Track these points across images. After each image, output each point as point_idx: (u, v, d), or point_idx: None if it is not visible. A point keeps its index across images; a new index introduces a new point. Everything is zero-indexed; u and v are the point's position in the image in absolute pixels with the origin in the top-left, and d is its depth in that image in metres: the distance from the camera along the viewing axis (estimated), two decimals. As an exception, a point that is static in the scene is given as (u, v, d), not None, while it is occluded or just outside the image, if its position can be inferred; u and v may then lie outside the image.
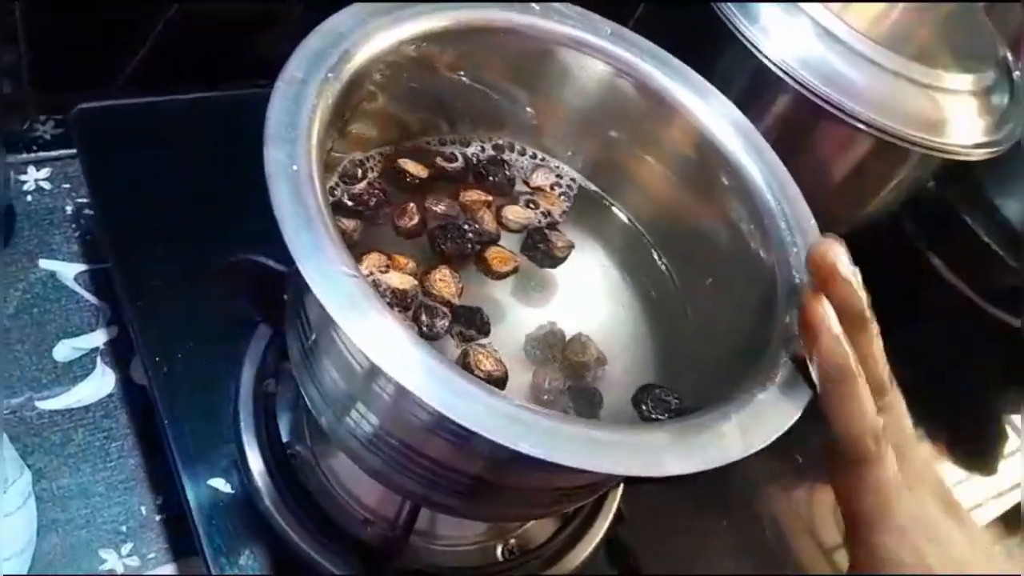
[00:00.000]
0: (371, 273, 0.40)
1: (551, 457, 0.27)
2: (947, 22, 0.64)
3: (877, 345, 0.37)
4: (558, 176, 0.49)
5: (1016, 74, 0.64)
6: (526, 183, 0.48)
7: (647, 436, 0.30)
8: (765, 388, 0.34)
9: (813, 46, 0.58)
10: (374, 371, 0.35)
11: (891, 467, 0.36)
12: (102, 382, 0.54)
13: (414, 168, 0.46)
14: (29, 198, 0.60)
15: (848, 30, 0.58)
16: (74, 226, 0.59)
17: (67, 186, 0.61)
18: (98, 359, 0.54)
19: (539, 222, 0.47)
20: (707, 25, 0.61)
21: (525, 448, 0.27)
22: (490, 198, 0.46)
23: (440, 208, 0.45)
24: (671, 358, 0.43)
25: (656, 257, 0.47)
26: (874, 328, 0.36)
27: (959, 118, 0.59)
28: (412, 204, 0.44)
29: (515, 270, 0.45)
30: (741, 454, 0.31)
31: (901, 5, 0.63)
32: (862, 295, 0.36)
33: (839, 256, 0.36)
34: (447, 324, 0.41)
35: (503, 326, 0.43)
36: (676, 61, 0.45)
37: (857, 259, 0.40)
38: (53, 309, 0.55)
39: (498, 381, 0.39)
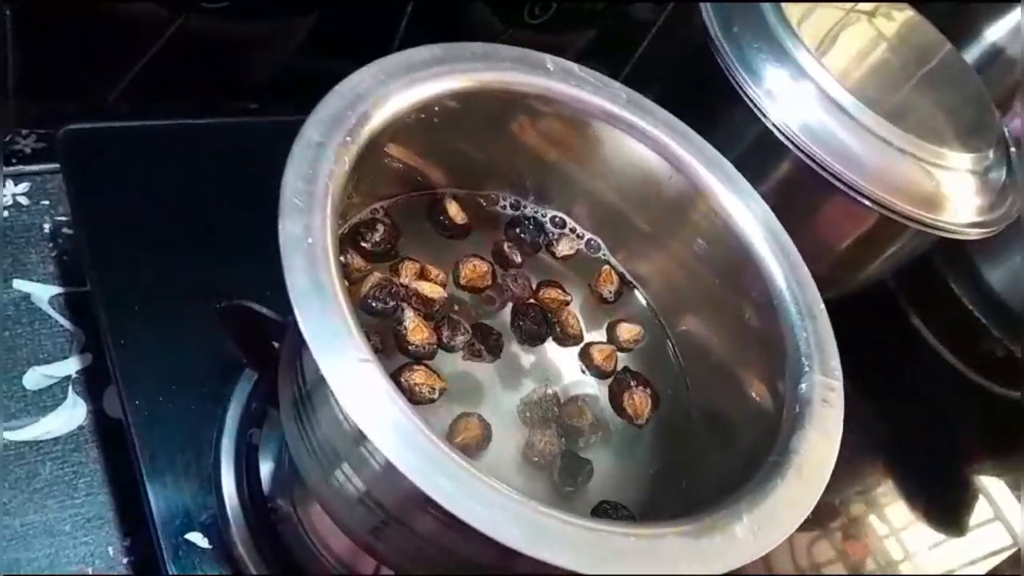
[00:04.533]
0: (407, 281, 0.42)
1: (571, 566, 0.26)
2: (951, 95, 0.65)
3: None
4: (585, 245, 0.49)
5: (1013, 151, 0.65)
6: (552, 252, 0.48)
7: (661, 543, 0.29)
8: (775, 485, 0.34)
9: (817, 114, 0.58)
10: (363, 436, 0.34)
11: None
12: (73, 413, 0.51)
13: (455, 211, 0.45)
14: (5, 214, 0.57)
15: (852, 100, 0.58)
16: (51, 245, 0.57)
17: (46, 202, 0.59)
18: (70, 388, 0.52)
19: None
20: (707, 79, 0.61)
21: (538, 555, 0.26)
22: (570, 298, 0.46)
23: (517, 290, 0.45)
24: (667, 448, 0.43)
25: (670, 348, 0.47)
26: None
27: (958, 196, 0.59)
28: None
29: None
30: (754, 556, 0.31)
31: (906, 77, 0.63)
32: None
33: None
34: (466, 340, 0.42)
35: (499, 386, 0.42)
36: (707, 146, 0.44)
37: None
38: (25, 333, 0.53)
39: (417, 401, 0.39)
